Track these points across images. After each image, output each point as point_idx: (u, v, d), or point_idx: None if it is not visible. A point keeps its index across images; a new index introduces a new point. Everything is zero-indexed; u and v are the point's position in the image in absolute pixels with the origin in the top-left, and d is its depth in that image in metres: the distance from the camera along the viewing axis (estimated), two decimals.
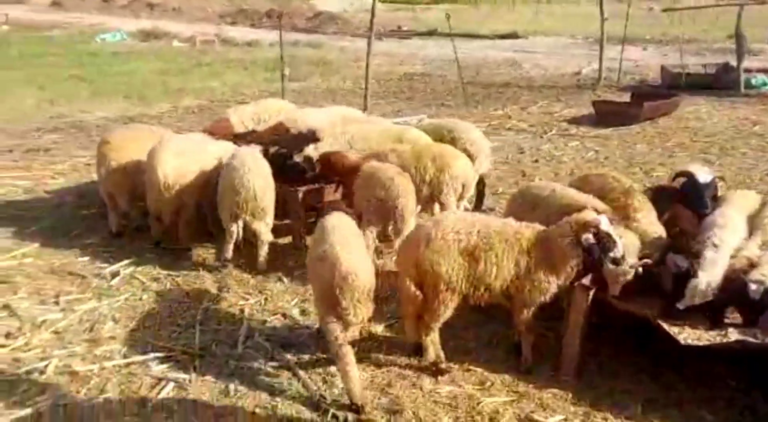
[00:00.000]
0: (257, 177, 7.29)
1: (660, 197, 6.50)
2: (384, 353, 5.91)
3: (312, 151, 8.13)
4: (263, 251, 7.50)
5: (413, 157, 7.80)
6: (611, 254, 5.17)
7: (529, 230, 5.45)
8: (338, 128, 8.61)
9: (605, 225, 5.23)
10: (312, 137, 8.41)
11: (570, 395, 5.31)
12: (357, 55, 23.99)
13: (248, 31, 32.51)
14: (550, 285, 5.34)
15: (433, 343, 5.57)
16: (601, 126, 14.05)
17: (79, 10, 42.10)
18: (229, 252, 7.50)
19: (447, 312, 5.46)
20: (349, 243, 5.36)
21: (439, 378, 5.51)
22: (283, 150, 8.21)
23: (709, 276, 5.10)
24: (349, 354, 5.04)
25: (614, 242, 5.19)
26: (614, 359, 5.73)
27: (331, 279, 5.01)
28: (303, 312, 6.66)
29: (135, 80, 19.26)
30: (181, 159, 7.60)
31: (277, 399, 5.30)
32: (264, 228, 7.47)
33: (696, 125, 14.01)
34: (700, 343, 5.05)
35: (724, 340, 5.02)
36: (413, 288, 5.42)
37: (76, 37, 29.22)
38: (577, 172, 10.91)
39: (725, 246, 5.31)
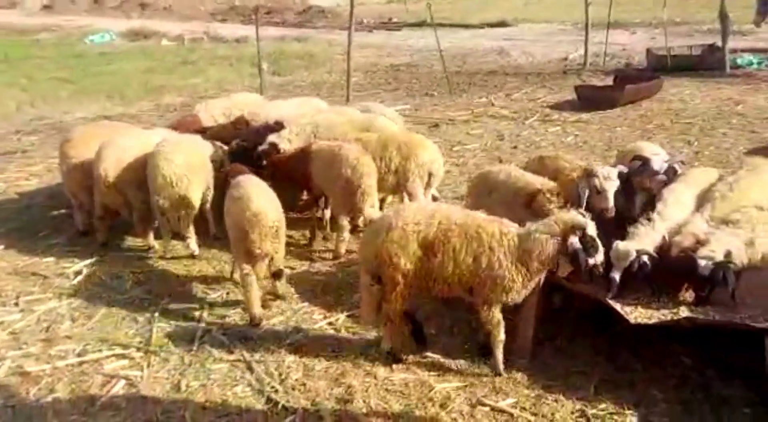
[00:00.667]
0: (174, 164, 7.20)
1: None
2: (341, 342, 5.87)
3: (275, 137, 8.07)
4: (190, 244, 7.54)
5: (379, 145, 7.73)
6: (592, 260, 4.96)
7: (494, 224, 5.14)
8: (304, 119, 8.52)
9: (592, 230, 4.97)
10: (276, 128, 8.33)
11: (525, 378, 5.25)
12: (344, 48, 23.72)
13: (238, 27, 32.29)
14: (515, 283, 5.03)
15: (391, 332, 5.46)
16: (583, 111, 13.93)
17: (70, 13, 41.89)
18: (152, 242, 7.72)
19: (404, 302, 5.31)
20: (258, 191, 6.36)
21: (394, 366, 5.45)
22: (244, 142, 8.17)
23: (633, 245, 5.15)
24: (252, 282, 6.14)
25: (597, 248, 4.97)
26: (572, 342, 5.66)
27: (242, 216, 6.04)
28: (263, 305, 6.56)
29: (118, 80, 19.16)
30: (124, 154, 7.54)
31: (228, 392, 5.25)
32: (185, 219, 7.44)
33: (678, 107, 13.87)
34: (650, 322, 4.98)
35: (675, 318, 4.95)
36: (370, 278, 5.36)
37: (65, 40, 29.09)
38: None
39: (660, 221, 5.28)
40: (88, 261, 7.60)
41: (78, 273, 7.37)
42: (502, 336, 5.22)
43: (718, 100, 14.22)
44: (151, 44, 26.97)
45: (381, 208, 8.65)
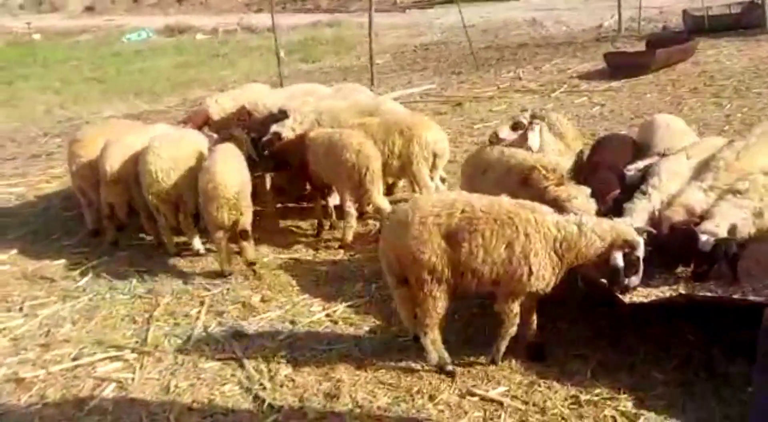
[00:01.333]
0: (160, 159, 7.12)
1: None
2: (336, 335, 5.72)
3: (278, 127, 7.93)
4: (193, 242, 7.53)
5: (382, 130, 7.51)
6: (628, 280, 4.66)
7: (527, 210, 4.72)
8: (307, 106, 8.34)
9: (641, 251, 4.60)
10: (280, 117, 8.18)
11: (519, 365, 5.01)
12: (375, 30, 23.56)
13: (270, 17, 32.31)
14: (545, 273, 4.64)
15: (433, 343, 4.97)
16: (613, 79, 13.44)
17: (110, 13, 42.49)
18: (163, 242, 7.62)
19: (439, 306, 4.84)
20: (222, 163, 6.74)
21: (385, 356, 5.26)
22: (253, 135, 8.05)
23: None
24: (222, 241, 6.74)
25: (639, 271, 4.66)
26: (574, 324, 5.39)
27: (205, 188, 6.61)
28: (263, 299, 6.47)
29: (148, 77, 19.31)
30: (128, 151, 7.48)
31: (216, 392, 5.13)
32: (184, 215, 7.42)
33: (714, 68, 13.28)
34: (645, 300, 4.69)
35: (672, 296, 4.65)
36: (396, 280, 4.96)
37: (103, 40, 29.45)
38: (579, 129, 10.47)
39: (656, 193, 4.95)
40: (95, 262, 7.58)
41: (84, 274, 7.35)
42: (514, 329, 4.88)
43: (757, 59, 13.57)
44: (186, 39, 27.13)
45: (392, 193, 8.58)
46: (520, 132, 6.30)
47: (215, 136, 7.95)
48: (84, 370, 5.61)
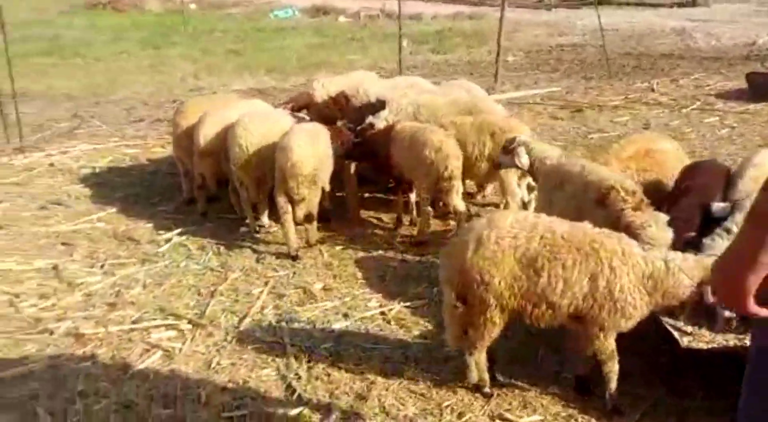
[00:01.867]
0: (250, 134, 7.25)
1: None
2: (384, 334, 5.64)
3: (374, 118, 7.89)
4: (262, 218, 7.79)
5: (474, 130, 7.32)
6: (728, 313, 4.37)
7: (613, 240, 4.34)
8: (406, 99, 8.23)
9: None
10: (379, 107, 8.14)
11: (564, 393, 4.73)
12: (513, 25, 23.14)
13: (415, 4, 32.23)
14: (636, 311, 4.26)
15: (476, 363, 4.72)
16: (753, 101, 12.54)
17: None
18: (247, 217, 7.75)
19: (495, 331, 4.55)
20: (300, 141, 6.87)
21: (424, 367, 5.11)
22: (350, 124, 8.06)
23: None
24: (289, 220, 6.94)
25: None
26: (629, 358, 5.01)
27: (284, 164, 6.75)
28: (325, 288, 6.45)
29: (282, 55, 19.73)
30: (222, 124, 7.66)
31: (253, 375, 5.15)
32: (252, 189, 7.54)
33: None
34: (705, 347, 4.32)
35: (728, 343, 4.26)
36: (455, 298, 4.55)
37: (253, 14, 30.38)
38: (700, 151, 9.86)
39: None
40: (181, 230, 7.80)
41: (168, 240, 7.57)
42: (616, 367, 4.46)
43: None
44: (327, 21, 27.56)
45: (482, 195, 8.38)
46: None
47: (307, 118, 7.99)
48: (139, 334, 5.77)
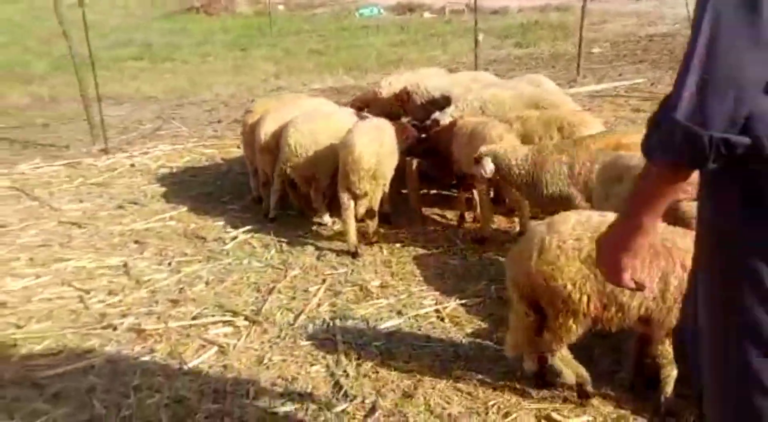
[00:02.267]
0: (301, 134, 7.33)
1: None
2: (437, 332, 5.55)
3: (439, 114, 7.83)
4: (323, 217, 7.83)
5: (540, 125, 7.14)
6: None
7: (687, 238, 3.94)
8: (471, 94, 8.11)
9: None
10: (443, 103, 8.06)
11: (617, 394, 4.56)
12: (601, 16, 22.60)
13: None
14: None
15: (564, 362, 4.53)
16: None
17: None
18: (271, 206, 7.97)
19: (571, 336, 4.35)
20: (363, 138, 6.88)
21: (472, 365, 5.00)
22: (415, 121, 8.03)
23: None
24: (350, 216, 6.95)
25: None
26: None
27: (346, 158, 6.80)
28: (382, 285, 6.42)
29: (363, 53, 19.82)
30: (283, 122, 7.71)
31: (302, 371, 5.16)
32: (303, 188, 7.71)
33: None
34: None
35: None
36: (526, 306, 4.40)
37: (339, 14, 30.66)
38: None
39: None
40: (248, 227, 7.92)
41: (234, 238, 7.70)
42: (675, 371, 4.22)
43: None
44: (412, 17, 27.53)
45: None
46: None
47: (369, 116, 7.98)
48: (197, 331, 5.87)
